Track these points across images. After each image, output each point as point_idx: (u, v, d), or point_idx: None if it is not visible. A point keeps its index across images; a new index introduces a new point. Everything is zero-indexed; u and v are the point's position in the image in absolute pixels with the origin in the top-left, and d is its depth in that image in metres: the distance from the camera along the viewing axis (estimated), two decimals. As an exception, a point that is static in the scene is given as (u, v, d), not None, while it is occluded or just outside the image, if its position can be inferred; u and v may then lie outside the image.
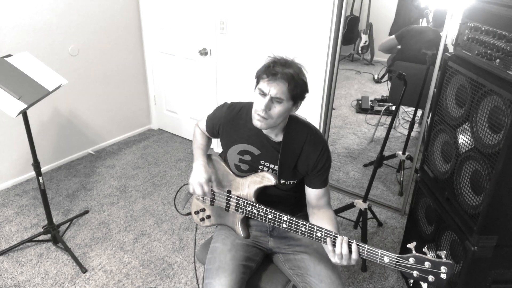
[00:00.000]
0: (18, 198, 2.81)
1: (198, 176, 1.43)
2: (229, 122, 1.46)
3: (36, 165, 2.13)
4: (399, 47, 3.04)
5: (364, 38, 3.40)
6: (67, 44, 3.02)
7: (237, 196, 1.46)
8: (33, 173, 2.94)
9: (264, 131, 1.39)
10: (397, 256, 1.12)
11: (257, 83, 1.30)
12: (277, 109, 1.26)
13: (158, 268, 2.22)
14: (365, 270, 2.23)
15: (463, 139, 1.58)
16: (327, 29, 2.53)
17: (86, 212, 2.67)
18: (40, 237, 2.37)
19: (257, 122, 1.30)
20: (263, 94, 1.26)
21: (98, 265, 2.22)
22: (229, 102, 1.52)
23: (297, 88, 1.25)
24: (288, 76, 1.22)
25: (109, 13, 3.25)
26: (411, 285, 1.19)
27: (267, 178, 1.40)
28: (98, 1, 3.13)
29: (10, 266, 2.19)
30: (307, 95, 1.32)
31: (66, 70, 3.05)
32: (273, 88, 1.23)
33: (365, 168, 3.18)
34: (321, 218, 1.38)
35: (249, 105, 1.44)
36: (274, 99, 1.25)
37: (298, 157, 1.39)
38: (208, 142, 1.65)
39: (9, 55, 2.04)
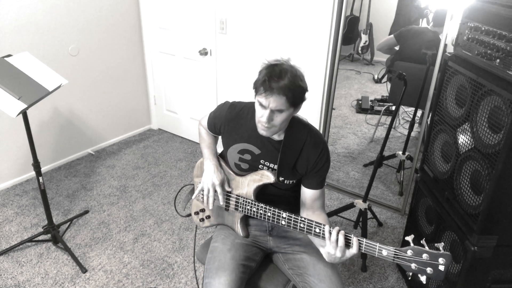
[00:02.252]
0: (18, 198, 2.81)
1: (212, 178, 1.45)
2: (230, 121, 1.47)
3: (36, 165, 2.13)
4: (397, 48, 3.05)
5: (364, 38, 3.40)
6: (67, 44, 3.02)
7: (237, 195, 1.46)
8: (33, 173, 2.94)
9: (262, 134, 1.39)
10: (394, 249, 1.13)
11: (256, 93, 1.29)
12: (279, 118, 1.27)
13: (158, 268, 2.22)
14: (365, 270, 2.23)
15: (463, 139, 1.58)
16: (327, 29, 2.53)
17: (86, 212, 2.67)
18: (40, 237, 2.37)
19: (262, 131, 1.32)
20: (263, 106, 1.26)
21: (98, 265, 2.22)
22: (230, 101, 1.53)
23: (295, 96, 1.24)
24: (285, 89, 1.21)
25: (109, 13, 3.25)
26: (409, 278, 1.19)
27: (266, 176, 1.40)
28: (98, 1, 3.13)
29: (10, 266, 2.19)
30: (307, 94, 1.31)
31: (66, 70, 3.05)
32: (271, 102, 1.23)
33: (365, 168, 3.18)
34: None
35: (251, 105, 1.45)
36: (275, 110, 1.25)
37: (297, 156, 1.40)
38: (215, 139, 1.65)
39: (9, 55, 2.04)
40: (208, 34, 3.14)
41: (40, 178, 2.16)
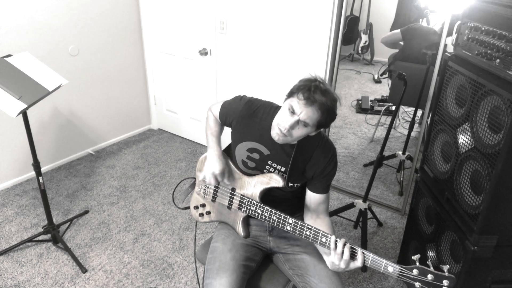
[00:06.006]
0: (18, 198, 2.81)
1: (213, 166, 1.44)
2: (244, 118, 1.45)
3: (36, 165, 2.13)
4: (402, 43, 3.02)
5: (364, 38, 3.40)
6: (67, 44, 3.02)
7: (242, 195, 1.46)
8: (33, 173, 2.94)
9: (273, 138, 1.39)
10: (400, 267, 1.14)
11: (289, 97, 1.28)
12: (300, 131, 1.27)
13: (158, 268, 2.22)
14: (365, 270, 2.23)
15: (463, 139, 1.58)
16: (327, 29, 2.53)
17: (86, 212, 2.67)
18: (40, 237, 2.37)
19: (275, 135, 1.30)
20: (293, 112, 1.25)
21: (98, 265, 2.22)
22: (248, 96, 1.51)
23: (326, 119, 1.25)
24: (324, 107, 1.22)
25: (109, 13, 3.25)
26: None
27: (275, 180, 1.40)
28: (98, 1, 3.13)
29: (10, 266, 2.19)
30: (332, 124, 1.31)
31: (66, 70, 3.05)
32: (304, 113, 1.22)
33: (365, 168, 3.18)
34: (319, 225, 1.39)
35: (267, 105, 1.45)
36: (301, 121, 1.24)
37: (307, 161, 1.40)
38: (222, 128, 1.63)
39: (9, 55, 2.04)
40: (208, 34, 3.14)
41: (40, 178, 2.16)
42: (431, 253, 1.81)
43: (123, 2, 3.33)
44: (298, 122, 1.24)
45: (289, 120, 1.24)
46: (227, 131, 1.57)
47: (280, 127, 1.26)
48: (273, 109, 1.42)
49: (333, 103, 1.24)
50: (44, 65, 2.14)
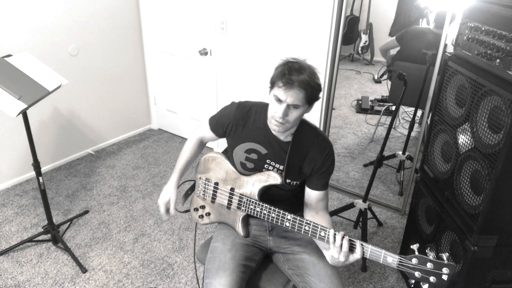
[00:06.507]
0: (18, 198, 2.81)
1: (161, 196, 1.54)
2: (238, 120, 1.47)
3: (36, 165, 2.13)
4: (392, 51, 3.05)
5: (364, 38, 3.40)
6: (67, 44, 3.02)
7: (240, 194, 1.46)
8: (33, 173, 2.94)
9: (273, 132, 1.40)
10: (399, 256, 1.13)
11: (272, 88, 1.30)
12: (294, 114, 1.28)
13: (158, 268, 2.22)
14: (365, 270, 2.23)
15: (463, 139, 1.58)
16: (327, 29, 2.53)
17: (86, 212, 2.67)
18: (40, 237, 2.37)
19: (274, 127, 1.32)
20: (280, 101, 1.27)
21: (98, 265, 2.22)
22: (236, 101, 1.53)
23: (312, 92, 1.27)
24: (305, 84, 1.23)
25: (109, 13, 3.25)
26: (412, 285, 1.20)
27: (273, 177, 1.40)
28: (98, 1, 3.13)
29: (10, 266, 2.19)
30: (320, 94, 1.33)
31: (66, 70, 3.05)
32: (289, 97, 1.24)
33: (365, 168, 3.18)
34: (318, 222, 1.39)
35: (258, 105, 1.47)
36: (291, 105, 1.26)
37: (304, 158, 1.41)
38: (194, 155, 1.67)
39: (9, 55, 2.04)
40: (208, 34, 3.14)
41: (40, 178, 2.16)
42: (431, 253, 1.81)
43: (123, 2, 3.33)
44: (288, 107, 1.26)
45: (279, 109, 1.27)
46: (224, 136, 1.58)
47: (275, 118, 1.29)
48: (264, 107, 1.44)
49: (312, 76, 1.26)
50: (44, 65, 2.14)
